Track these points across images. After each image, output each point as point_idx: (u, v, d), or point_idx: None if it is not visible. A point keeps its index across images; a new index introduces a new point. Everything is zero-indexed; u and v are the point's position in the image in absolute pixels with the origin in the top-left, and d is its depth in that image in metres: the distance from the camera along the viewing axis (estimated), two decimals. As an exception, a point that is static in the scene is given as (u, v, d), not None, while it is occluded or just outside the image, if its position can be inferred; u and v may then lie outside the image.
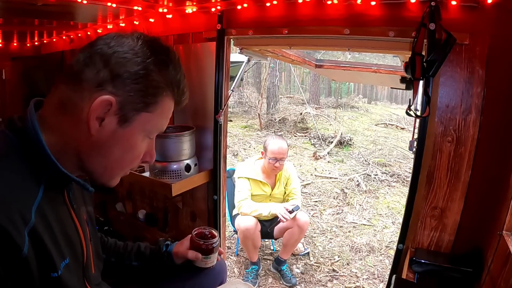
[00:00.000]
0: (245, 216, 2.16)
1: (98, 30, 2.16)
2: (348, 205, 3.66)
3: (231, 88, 1.81)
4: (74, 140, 0.60)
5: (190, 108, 1.83)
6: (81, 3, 1.45)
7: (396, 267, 1.42)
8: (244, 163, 2.47)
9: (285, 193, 2.38)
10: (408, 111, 1.17)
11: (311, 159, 5.40)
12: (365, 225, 3.20)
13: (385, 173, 4.67)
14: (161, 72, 0.60)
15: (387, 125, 8.79)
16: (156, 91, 0.61)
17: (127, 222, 2.26)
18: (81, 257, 0.69)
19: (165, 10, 1.68)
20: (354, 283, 2.28)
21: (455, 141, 1.24)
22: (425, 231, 1.34)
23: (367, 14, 1.28)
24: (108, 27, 2.08)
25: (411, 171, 1.35)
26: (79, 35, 2.40)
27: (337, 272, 2.39)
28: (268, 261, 2.50)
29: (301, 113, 7.93)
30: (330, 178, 4.50)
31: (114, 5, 1.50)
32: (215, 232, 1.07)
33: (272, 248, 2.68)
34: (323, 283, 2.26)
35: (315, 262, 2.51)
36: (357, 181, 4.30)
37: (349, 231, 3.05)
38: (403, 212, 1.43)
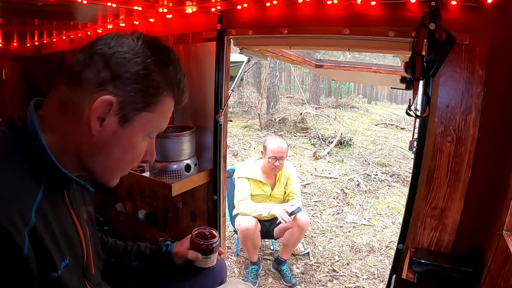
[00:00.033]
0: (245, 216, 2.16)
1: (98, 30, 2.16)
2: (348, 205, 3.66)
3: (231, 88, 1.81)
4: (74, 140, 0.60)
5: (190, 108, 1.83)
6: (81, 3, 1.45)
7: (396, 267, 1.42)
8: (244, 163, 2.47)
9: (285, 193, 2.38)
10: (408, 111, 1.17)
11: (311, 159, 5.40)
12: (365, 225, 3.20)
13: (385, 173, 4.67)
14: (161, 72, 0.60)
15: (387, 125, 8.79)
16: (157, 91, 0.61)
17: (127, 222, 2.26)
18: (81, 257, 0.69)
19: (165, 10, 1.68)
20: (354, 283, 2.28)
21: (455, 141, 1.24)
22: (425, 231, 1.34)
23: (367, 14, 1.28)
24: (108, 27, 2.08)
25: (411, 171, 1.35)
26: (79, 35, 2.40)
27: (337, 272, 2.39)
28: (268, 261, 2.50)
29: (301, 113, 7.93)
30: (330, 178, 4.50)
31: (114, 5, 1.50)
32: (215, 232, 1.07)
33: (272, 248, 2.68)
34: (323, 283, 2.26)
35: (315, 262, 2.51)
36: (357, 181, 4.30)
37: (349, 231, 3.05)
38: (403, 212, 1.43)
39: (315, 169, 4.87)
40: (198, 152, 1.80)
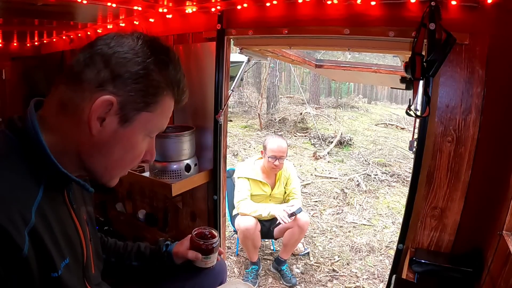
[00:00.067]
0: (245, 216, 2.15)
1: (98, 30, 2.16)
2: (348, 205, 3.66)
3: (231, 88, 1.81)
4: (75, 140, 0.60)
5: (190, 108, 1.83)
6: (81, 3, 1.45)
7: (396, 267, 1.42)
8: (243, 163, 2.47)
9: (285, 192, 2.38)
10: (408, 111, 1.17)
11: (311, 159, 5.40)
12: (365, 225, 3.20)
13: (385, 173, 4.67)
14: (161, 72, 0.61)
15: (387, 125, 8.79)
16: (157, 91, 0.61)
17: (127, 222, 2.26)
18: (81, 257, 0.69)
19: (165, 10, 1.68)
20: (354, 283, 2.28)
21: (455, 141, 1.24)
22: (425, 231, 1.34)
23: (367, 14, 1.28)
24: (108, 27, 2.08)
25: (411, 171, 1.35)
26: (79, 35, 2.40)
27: (337, 272, 2.39)
28: (268, 261, 2.50)
29: (301, 113, 7.93)
30: (330, 178, 4.50)
31: (114, 5, 1.50)
32: (215, 232, 1.07)
33: (272, 248, 2.68)
34: (323, 283, 2.26)
35: (315, 262, 2.51)
36: (357, 181, 4.30)
37: (349, 231, 3.05)
38: (403, 212, 1.43)
39: (315, 169, 4.87)
40: (198, 152, 1.80)
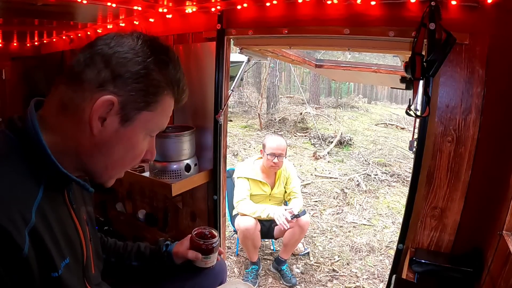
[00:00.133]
0: (245, 216, 2.15)
1: (98, 30, 2.16)
2: (348, 205, 3.66)
3: (231, 88, 1.81)
4: (75, 140, 0.60)
5: (190, 108, 1.83)
6: (81, 3, 1.45)
7: (396, 267, 1.42)
8: (243, 163, 2.47)
9: (285, 192, 2.38)
10: (408, 111, 1.17)
11: (311, 159, 5.40)
12: (365, 225, 3.20)
13: (385, 173, 4.67)
14: (162, 71, 0.61)
15: (387, 125, 8.79)
16: (157, 90, 0.61)
17: (127, 222, 2.26)
18: (81, 257, 0.69)
19: (165, 10, 1.68)
20: (354, 283, 2.28)
21: (455, 141, 1.24)
22: (425, 231, 1.34)
23: (367, 14, 1.28)
24: (108, 27, 2.08)
25: (411, 171, 1.35)
26: (79, 35, 2.40)
27: (337, 272, 2.39)
28: (268, 261, 2.50)
29: (301, 113, 7.93)
30: (330, 178, 4.50)
31: (114, 5, 1.50)
32: (215, 232, 1.07)
33: (272, 248, 2.68)
34: (323, 283, 2.26)
35: (315, 262, 2.51)
36: (357, 181, 4.30)
37: (349, 231, 3.05)
38: (403, 212, 1.43)
39: (315, 169, 4.87)
40: (198, 152, 1.80)
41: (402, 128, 8.15)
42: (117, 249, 1.01)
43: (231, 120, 7.97)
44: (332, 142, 6.14)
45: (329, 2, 1.31)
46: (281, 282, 2.25)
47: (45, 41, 2.82)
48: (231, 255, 2.54)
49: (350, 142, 6.30)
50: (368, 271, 2.43)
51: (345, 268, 2.46)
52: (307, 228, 2.23)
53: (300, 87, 10.23)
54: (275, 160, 2.20)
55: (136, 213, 2.20)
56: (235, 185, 2.30)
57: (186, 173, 1.70)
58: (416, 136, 1.29)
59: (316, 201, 3.72)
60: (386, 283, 1.67)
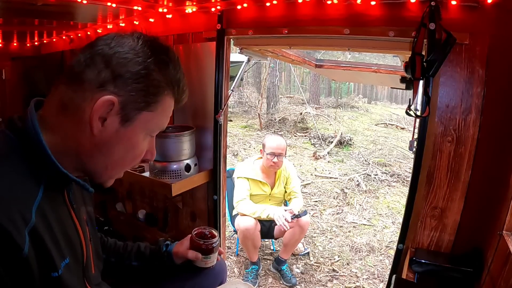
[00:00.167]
0: (244, 216, 2.15)
1: (98, 30, 2.16)
2: (348, 205, 3.66)
3: (231, 88, 1.81)
4: (75, 140, 0.60)
5: (190, 108, 1.83)
6: (81, 3, 1.45)
7: (396, 267, 1.42)
8: (243, 163, 2.47)
9: (285, 192, 2.38)
10: (408, 111, 1.17)
11: (311, 159, 5.40)
12: (365, 225, 3.20)
13: (385, 173, 4.67)
14: (162, 72, 0.61)
15: (387, 125, 8.79)
16: (157, 90, 0.61)
17: (127, 222, 2.26)
18: (81, 257, 0.69)
19: (165, 10, 1.68)
20: (354, 283, 2.28)
21: (455, 141, 1.24)
22: (425, 231, 1.34)
23: (367, 14, 1.28)
24: (108, 27, 2.08)
25: (411, 171, 1.35)
26: (79, 35, 2.40)
27: (337, 272, 2.39)
28: (268, 261, 2.50)
29: (301, 113, 7.93)
30: (330, 178, 4.50)
31: (114, 5, 1.50)
32: (215, 232, 1.07)
33: (272, 248, 2.68)
34: (323, 283, 2.26)
35: (315, 262, 2.51)
36: (357, 181, 4.30)
37: (349, 231, 3.05)
38: (403, 212, 1.43)
39: (315, 169, 4.87)
40: (198, 152, 1.80)
41: (402, 128, 8.15)
42: (117, 249, 1.01)
43: (231, 120, 7.97)
44: (332, 142, 6.14)
45: (329, 2, 1.31)
46: (281, 282, 2.25)
47: (45, 41, 2.82)
48: (231, 255, 2.54)
49: (350, 142, 6.30)
50: (368, 271, 2.43)
51: (345, 268, 2.46)
52: (307, 228, 2.23)
53: (300, 87, 10.23)
54: (275, 159, 2.20)
55: (136, 213, 2.20)
56: (235, 185, 2.30)
57: (186, 173, 1.70)
58: (416, 136, 1.29)
59: (316, 201, 3.72)
60: (386, 283, 1.67)
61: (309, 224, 2.28)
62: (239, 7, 1.51)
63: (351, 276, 2.36)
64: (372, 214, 3.44)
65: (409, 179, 1.43)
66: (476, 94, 1.18)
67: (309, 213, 3.35)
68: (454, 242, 1.31)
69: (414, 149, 1.31)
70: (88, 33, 2.30)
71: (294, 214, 2.08)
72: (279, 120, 7.91)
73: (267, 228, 2.27)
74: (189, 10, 1.61)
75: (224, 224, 1.99)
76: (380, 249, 2.73)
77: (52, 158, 0.58)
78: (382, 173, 4.65)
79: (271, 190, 2.33)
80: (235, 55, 2.60)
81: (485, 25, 1.13)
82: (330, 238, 2.91)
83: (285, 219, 2.01)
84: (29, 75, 2.89)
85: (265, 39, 1.61)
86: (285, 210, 2.10)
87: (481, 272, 1.12)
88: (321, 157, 5.46)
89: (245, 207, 2.16)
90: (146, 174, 1.80)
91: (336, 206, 3.62)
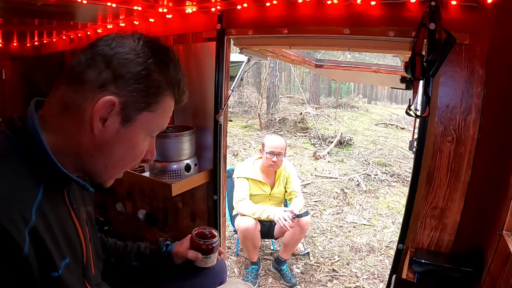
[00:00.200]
0: (244, 216, 2.15)
1: (98, 30, 2.16)
2: (348, 205, 3.66)
3: (231, 88, 1.81)
4: (76, 140, 0.60)
5: (190, 108, 1.83)
6: (81, 3, 1.45)
7: (396, 267, 1.42)
8: (243, 163, 2.47)
9: (285, 192, 2.38)
10: (408, 111, 1.17)
11: (311, 159, 5.40)
12: (365, 225, 3.20)
13: (385, 173, 4.67)
14: (162, 72, 0.61)
15: (387, 125, 8.80)
16: (158, 91, 0.61)
17: (127, 222, 2.26)
18: (81, 257, 0.69)
19: (165, 10, 1.68)
20: (354, 283, 2.28)
21: (455, 141, 1.24)
22: (425, 231, 1.34)
23: (367, 14, 1.28)
24: (108, 27, 2.08)
25: (411, 171, 1.35)
26: (79, 35, 2.40)
27: (337, 272, 2.39)
28: (268, 261, 2.50)
29: (301, 113, 7.93)
30: (330, 178, 4.50)
31: (114, 5, 1.50)
32: (215, 232, 1.07)
33: (272, 248, 2.68)
34: (323, 283, 2.26)
35: (315, 262, 2.51)
36: (357, 181, 4.30)
37: (349, 231, 3.05)
38: (403, 212, 1.43)
39: (315, 169, 4.87)
40: (198, 152, 1.80)
41: (402, 128, 8.16)
42: (117, 249, 1.01)
43: (231, 120, 7.97)
44: (332, 142, 6.15)
45: (329, 2, 1.31)
46: (281, 282, 2.25)
47: (45, 41, 2.82)
48: (231, 255, 2.54)
49: (350, 142, 6.30)
50: (368, 271, 2.43)
51: (345, 268, 2.46)
52: (307, 228, 2.23)
53: (300, 87, 10.23)
54: (274, 158, 2.20)
55: (136, 213, 2.20)
56: (235, 185, 2.30)
57: (186, 173, 1.70)
58: (416, 136, 1.29)
59: (316, 201, 3.72)
60: (386, 283, 1.67)
61: (309, 224, 2.28)
62: (239, 7, 1.51)
63: (351, 276, 2.36)
64: (372, 214, 3.44)
65: (409, 179, 1.43)
66: (476, 94, 1.18)
67: (309, 213, 3.35)
68: (454, 242, 1.31)
69: (414, 149, 1.31)
70: (88, 33, 2.30)
71: (295, 214, 2.08)
72: (279, 120, 7.91)
73: (267, 228, 2.27)
74: (189, 10, 1.61)
75: (224, 224, 1.99)
76: (380, 249, 2.73)
77: (52, 158, 0.58)
78: (382, 173, 4.65)
79: (271, 190, 2.33)
80: (235, 55, 2.60)
81: (485, 25, 1.13)
82: (330, 238, 2.91)
83: (285, 219, 2.02)
84: (29, 75, 2.89)
85: (265, 39, 1.61)
86: (285, 211, 2.10)
87: (481, 272, 1.12)
88: (321, 157, 5.46)
89: (244, 207, 2.15)
90: (146, 174, 1.80)
91: (336, 206, 3.62)
